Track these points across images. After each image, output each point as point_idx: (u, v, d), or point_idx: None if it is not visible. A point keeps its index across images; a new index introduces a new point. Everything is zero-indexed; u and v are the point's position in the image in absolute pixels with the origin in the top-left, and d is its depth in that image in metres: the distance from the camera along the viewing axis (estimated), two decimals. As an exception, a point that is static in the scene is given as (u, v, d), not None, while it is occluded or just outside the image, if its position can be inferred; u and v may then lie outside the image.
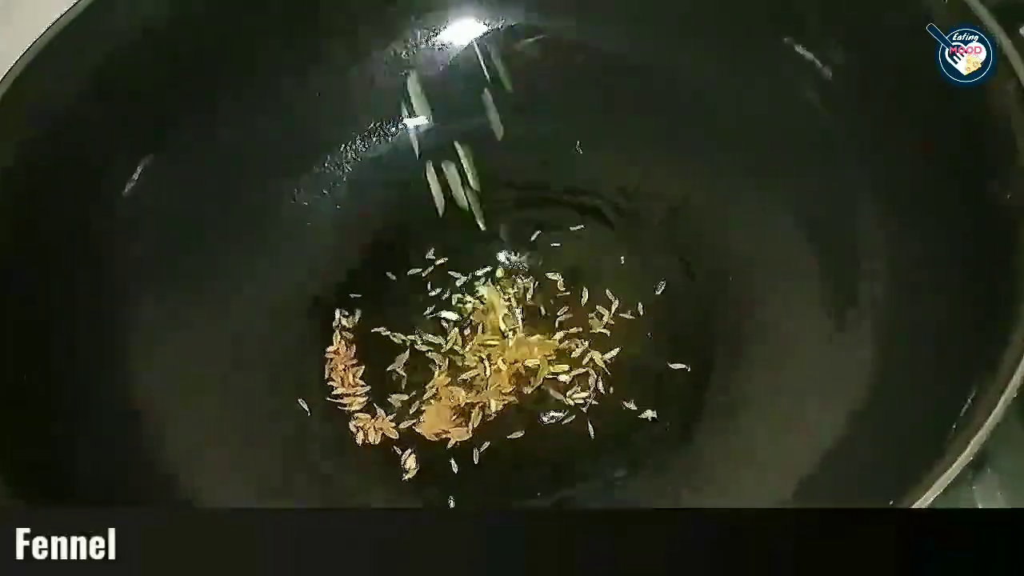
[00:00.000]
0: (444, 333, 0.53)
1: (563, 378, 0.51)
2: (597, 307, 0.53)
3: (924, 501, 0.33)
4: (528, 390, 0.51)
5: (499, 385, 0.51)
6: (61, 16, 0.48)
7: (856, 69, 0.50)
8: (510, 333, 0.53)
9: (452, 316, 0.54)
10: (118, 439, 0.46)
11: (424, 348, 0.53)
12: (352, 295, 0.55)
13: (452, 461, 0.49)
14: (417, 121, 0.59)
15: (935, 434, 0.36)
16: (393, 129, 0.59)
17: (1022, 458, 0.45)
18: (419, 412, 0.51)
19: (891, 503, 0.34)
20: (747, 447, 0.47)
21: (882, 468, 0.40)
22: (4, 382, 0.43)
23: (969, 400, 0.36)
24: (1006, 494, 0.46)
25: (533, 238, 0.56)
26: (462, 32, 0.58)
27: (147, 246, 0.51)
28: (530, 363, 0.52)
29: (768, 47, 0.53)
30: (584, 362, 0.51)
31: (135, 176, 0.51)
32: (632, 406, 0.49)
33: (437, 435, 0.50)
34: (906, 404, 0.43)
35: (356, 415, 0.51)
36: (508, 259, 0.56)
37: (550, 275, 0.55)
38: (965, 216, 0.44)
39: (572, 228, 0.56)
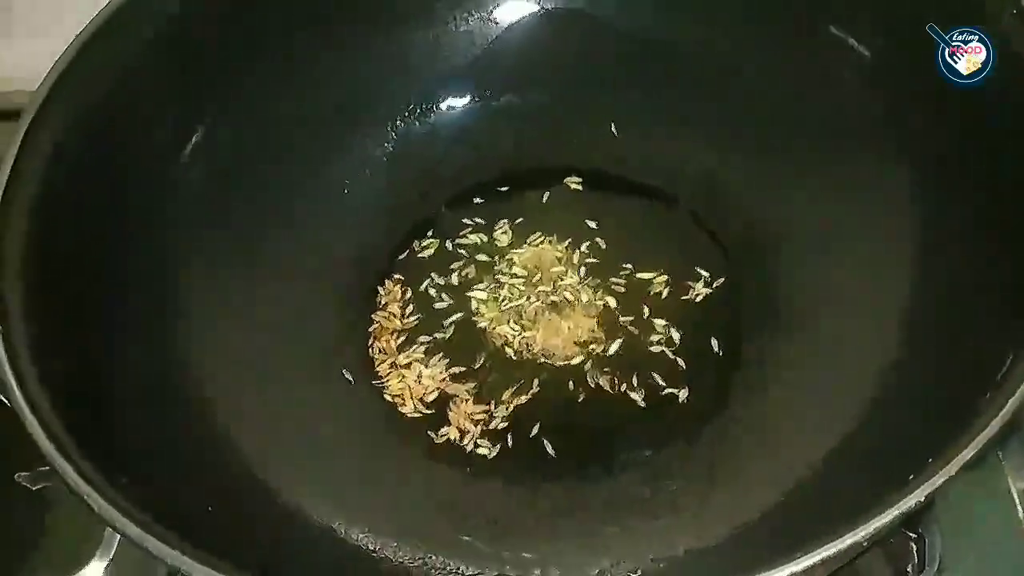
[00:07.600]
0: (487, 304, 0.55)
1: (608, 352, 0.53)
2: (640, 280, 0.55)
3: (956, 464, 0.34)
4: (571, 363, 0.52)
5: (545, 356, 0.53)
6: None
7: (894, 51, 0.51)
8: (548, 309, 0.54)
9: (485, 292, 0.55)
10: (169, 403, 0.48)
11: (470, 317, 0.54)
12: (395, 267, 0.57)
13: (500, 428, 0.51)
14: (457, 101, 0.60)
15: (965, 401, 0.37)
16: (433, 108, 0.60)
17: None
18: (464, 384, 0.52)
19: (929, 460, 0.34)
20: (778, 415, 0.49)
21: (911, 435, 0.41)
22: (59, 350, 0.43)
23: (1006, 365, 0.37)
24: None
25: (566, 208, 0.58)
26: (502, 14, 0.60)
27: (199, 212, 0.53)
28: (574, 338, 0.53)
29: (806, 27, 0.54)
30: (621, 338, 0.53)
31: (190, 144, 0.53)
32: (664, 383, 0.51)
33: (483, 409, 0.51)
34: (935, 371, 0.44)
35: (396, 385, 0.52)
36: (541, 232, 0.57)
37: (582, 248, 0.56)
38: (1002, 184, 0.44)
39: (607, 203, 0.58)
